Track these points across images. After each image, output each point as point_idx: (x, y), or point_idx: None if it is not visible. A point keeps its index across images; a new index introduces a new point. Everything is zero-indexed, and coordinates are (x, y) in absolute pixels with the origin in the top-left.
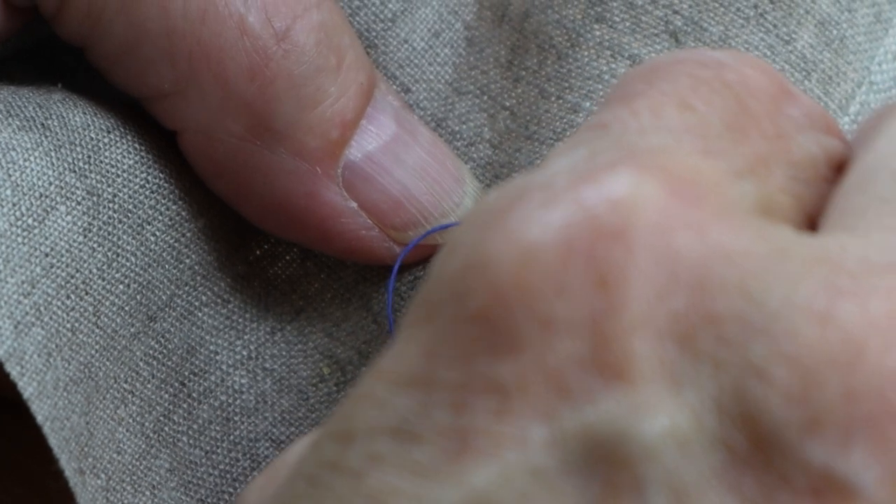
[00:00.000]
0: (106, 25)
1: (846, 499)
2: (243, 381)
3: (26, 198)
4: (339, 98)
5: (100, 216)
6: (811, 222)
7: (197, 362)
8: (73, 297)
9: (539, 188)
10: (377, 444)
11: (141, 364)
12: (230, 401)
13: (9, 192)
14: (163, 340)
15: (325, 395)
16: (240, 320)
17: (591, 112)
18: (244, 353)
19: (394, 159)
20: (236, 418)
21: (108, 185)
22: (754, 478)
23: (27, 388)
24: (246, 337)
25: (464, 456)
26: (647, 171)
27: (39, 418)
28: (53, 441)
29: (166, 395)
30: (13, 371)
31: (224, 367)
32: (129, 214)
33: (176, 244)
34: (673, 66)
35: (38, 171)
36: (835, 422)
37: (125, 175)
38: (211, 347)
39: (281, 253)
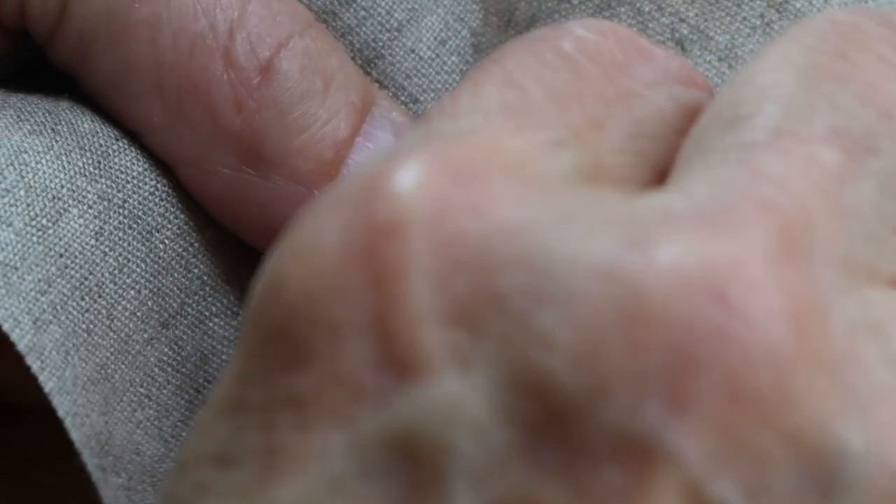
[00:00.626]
0: (96, 58)
1: (653, 458)
2: None
3: (40, 199)
4: (329, 120)
5: (111, 221)
6: (664, 177)
7: (211, 370)
8: (87, 298)
9: (332, 193)
10: (202, 473)
11: (156, 370)
12: None
13: (22, 192)
14: (176, 348)
15: None
16: None
17: None
18: None
19: None
20: None
21: (118, 191)
22: (554, 449)
23: (48, 383)
24: None
25: (272, 474)
26: (431, 160)
27: (61, 412)
28: (76, 435)
29: (182, 402)
30: (34, 365)
31: None
32: (139, 221)
33: (184, 253)
34: (514, 47)
35: (50, 174)
36: (624, 381)
37: (134, 182)
38: (223, 357)
39: None
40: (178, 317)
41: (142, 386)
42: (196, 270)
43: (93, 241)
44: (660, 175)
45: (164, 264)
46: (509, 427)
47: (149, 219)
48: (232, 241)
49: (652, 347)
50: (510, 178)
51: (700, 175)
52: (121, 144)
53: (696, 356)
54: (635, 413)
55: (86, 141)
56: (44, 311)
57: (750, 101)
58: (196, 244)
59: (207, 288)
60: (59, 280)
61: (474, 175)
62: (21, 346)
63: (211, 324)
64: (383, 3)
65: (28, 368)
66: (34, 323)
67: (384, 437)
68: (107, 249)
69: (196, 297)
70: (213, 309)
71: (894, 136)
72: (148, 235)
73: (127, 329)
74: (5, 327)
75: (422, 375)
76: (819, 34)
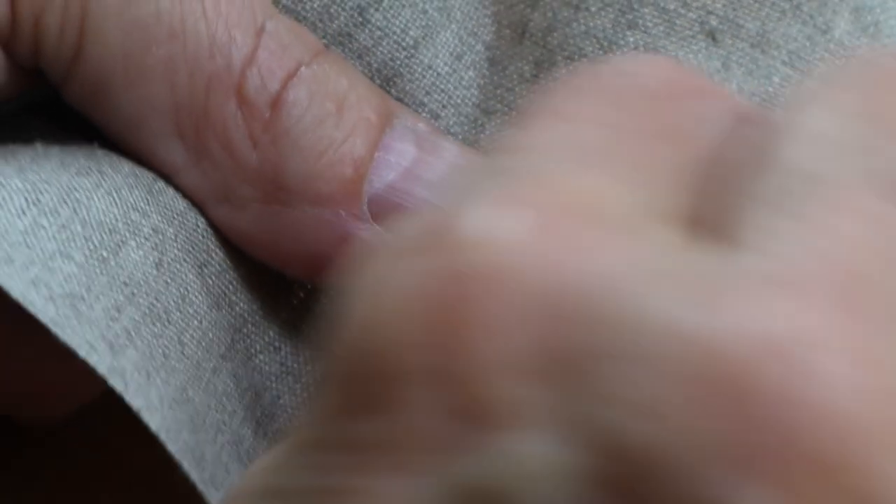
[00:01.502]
0: (113, 100)
1: None
2: None
3: (97, 232)
4: (344, 140)
5: (167, 253)
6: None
7: (264, 405)
8: (158, 324)
9: (409, 236)
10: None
11: (224, 399)
12: None
13: (79, 227)
14: (236, 380)
15: None
16: (294, 365)
17: None
18: (306, 395)
19: (417, 181)
20: None
21: (169, 225)
22: None
23: (135, 400)
24: (304, 380)
25: None
26: (507, 205)
27: (153, 427)
28: (173, 448)
29: (249, 432)
30: (118, 385)
31: (289, 410)
32: (191, 255)
33: (227, 289)
34: (566, 84)
35: (103, 209)
36: (700, 447)
37: (180, 218)
38: (274, 392)
39: (321, 291)
40: (232, 351)
41: (217, 412)
42: (237, 308)
43: (154, 272)
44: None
45: (214, 299)
46: (586, 487)
47: (198, 253)
48: (264, 277)
49: (718, 408)
50: (587, 225)
51: (755, 227)
52: (160, 185)
53: (759, 416)
54: (702, 475)
55: (130, 180)
56: (118, 335)
57: (785, 145)
58: (235, 281)
59: (249, 325)
60: (128, 307)
61: (554, 222)
62: (102, 370)
63: (257, 360)
64: (397, 23)
65: (25, 393)
66: (110, 348)
67: (452, 490)
68: (168, 280)
69: (241, 334)
70: (257, 346)
71: None
72: (200, 269)
73: (196, 357)
74: (81, 353)
75: (493, 428)
76: (851, 79)
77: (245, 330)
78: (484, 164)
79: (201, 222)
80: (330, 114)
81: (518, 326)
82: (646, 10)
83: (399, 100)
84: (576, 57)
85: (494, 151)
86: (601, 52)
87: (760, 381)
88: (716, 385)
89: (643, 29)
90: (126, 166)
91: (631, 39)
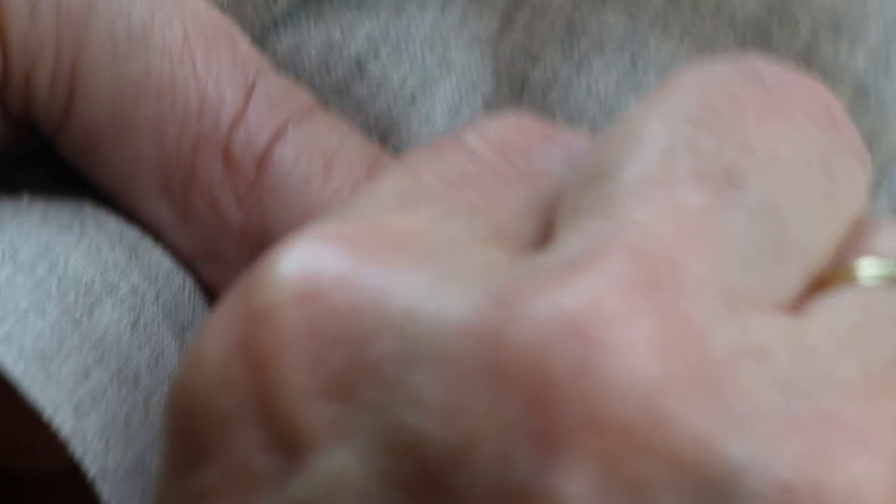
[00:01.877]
0: (102, 156)
1: None
2: None
3: (72, 291)
4: (332, 199)
5: (145, 313)
6: None
7: None
8: (125, 387)
9: (232, 290)
10: None
11: None
12: None
13: (54, 286)
14: None
15: None
16: None
17: None
18: None
19: None
20: None
21: (150, 285)
22: None
23: (91, 468)
24: None
25: None
26: (308, 243)
27: (105, 497)
28: None
29: None
30: (78, 449)
31: None
32: (171, 316)
33: None
34: (421, 147)
35: (81, 268)
36: (492, 432)
37: (164, 277)
38: None
39: None
40: None
41: None
42: None
43: (128, 333)
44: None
45: None
46: (391, 490)
47: (180, 314)
48: None
49: (515, 394)
50: (387, 250)
51: (568, 230)
52: (147, 243)
53: (556, 395)
54: (507, 462)
55: (115, 238)
56: (83, 398)
57: (611, 155)
58: None
59: None
60: (96, 369)
61: (349, 251)
62: (64, 432)
63: None
64: (396, 74)
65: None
66: (74, 410)
67: None
68: (143, 341)
69: None
70: None
71: (760, 168)
72: (181, 330)
73: (161, 421)
74: (47, 413)
75: (307, 452)
76: (676, 88)
77: None
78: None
79: (188, 282)
80: (317, 172)
81: (319, 354)
82: (651, 74)
83: (396, 151)
84: (576, 116)
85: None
86: (602, 114)
87: (554, 359)
88: (511, 371)
89: (645, 94)
90: (112, 223)
91: (633, 104)
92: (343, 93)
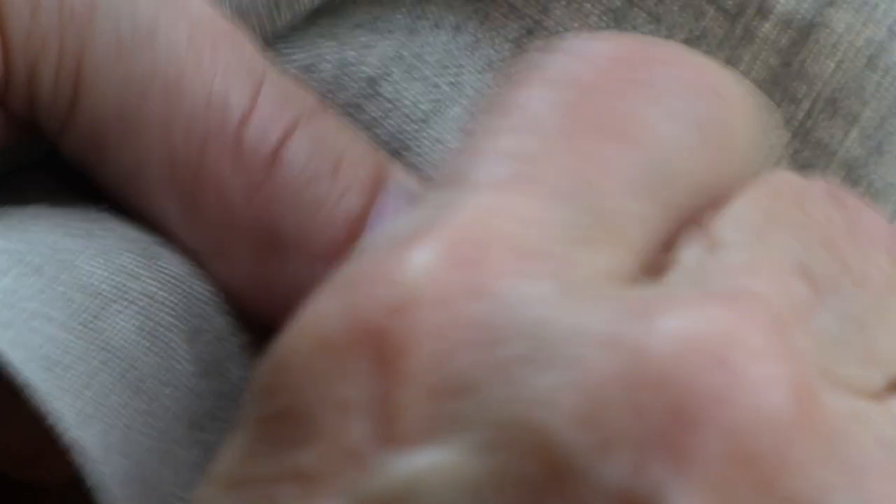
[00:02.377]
0: (108, 153)
1: None
2: None
3: (80, 295)
4: (340, 199)
5: (154, 317)
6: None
7: None
8: (127, 392)
9: (339, 275)
10: None
11: (193, 472)
12: None
13: (61, 288)
14: (210, 451)
15: None
16: None
17: None
18: None
19: None
20: None
21: (162, 290)
22: None
23: (92, 477)
24: None
25: None
26: (432, 239)
27: None
28: None
29: None
30: (79, 457)
31: None
32: (184, 321)
33: (222, 358)
34: (507, 90)
35: (88, 272)
36: (627, 439)
37: (176, 282)
38: None
39: None
40: (214, 421)
41: (174, 486)
42: (231, 376)
43: (135, 337)
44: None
45: (204, 367)
46: (509, 488)
47: (191, 320)
48: (264, 343)
49: (654, 408)
50: (510, 253)
51: (691, 283)
52: (159, 249)
53: (697, 417)
54: (638, 470)
55: (124, 244)
56: (87, 405)
57: (727, 231)
58: (234, 349)
59: (242, 393)
60: (101, 373)
61: (474, 255)
62: (66, 440)
63: None
64: (408, 95)
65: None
66: (77, 416)
67: (382, 499)
68: (150, 345)
69: (231, 403)
70: None
71: (853, 282)
72: (193, 336)
73: (163, 426)
74: (50, 420)
75: (416, 444)
76: (776, 188)
77: (235, 399)
78: (421, 199)
79: (203, 289)
80: (326, 172)
81: (445, 352)
82: None
83: (407, 172)
84: None
85: (433, 185)
86: None
87: (696, 382)
88: (650, 384)
89: None
90: (121, 228)
91: None
92: (354, 112)
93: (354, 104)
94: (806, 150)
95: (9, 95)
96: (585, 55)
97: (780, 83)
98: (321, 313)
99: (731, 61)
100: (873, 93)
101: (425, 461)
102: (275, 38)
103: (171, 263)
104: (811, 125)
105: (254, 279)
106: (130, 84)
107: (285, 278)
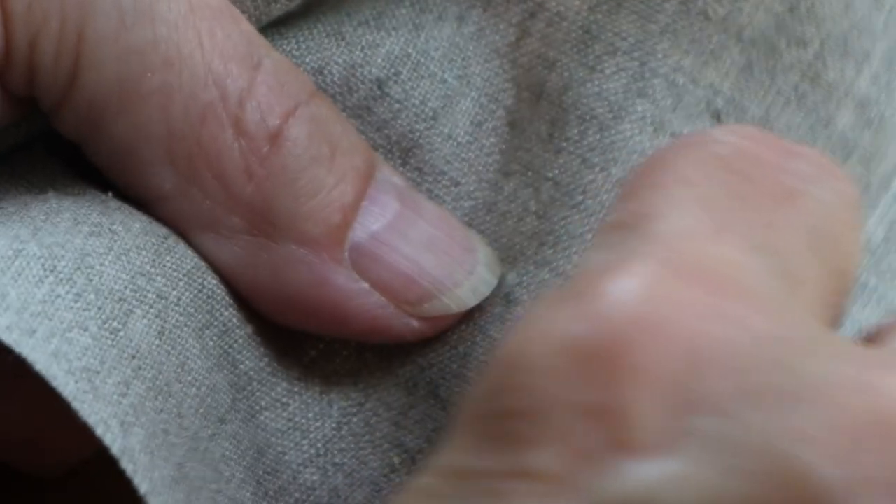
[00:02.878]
0: (107, 126)
1: None
2: (314, 477)
3: (108, 302)
4: (336, 185)
5: (169, 319)
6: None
7: (268, 462)
8: (160, 398)
9: (566, 291)
10: None
11: (221, 465)
12: (304, 497)
13: (92, 296)
14: (235, 442)
15: (398, 485)
16: (302, 420)
17: None
18: (312, 451)
19: (399, 236)
20: None
21: (173, 289)
22: None
23: (142, 485)
24: (312, 435)
25: None
26: (664, 263)
27: None
28: None
29: (248, 494)
30: (128, 467)
31: (294, 465)
32: (192, 318)
33: (230, 350)
34: (673, 150)
35: (114, 275)
36: (881, 481)
37: (185, 280)
38: (278, 448)
39: (338, 349)
40: (233, 412)
41: (213, 482)
42: (242, 367)
43: (157, 341)
44: (836, 273)
45: (215, 361)
46: None
47: (199, 316)
48: (274, 335)
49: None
50: (736, 286)
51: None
52: (169, 243)
53: None
54: None
55: (139, 240)
56: (127, 413)
57: None
58: (240, 340)
59: (255, 383)
60: (135, 382)
61: (709, 280)
62: (114, 450)
63: (262, 417)
64: (416, 94)
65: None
66: (121, 426)
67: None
68: (169, 348)
69: (245, 393)
70: (263, 403)
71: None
72: (200, 332)
73: (194, 427)
74: (98, 432)
75: (655, 454)
76: None
77: (249, 388)
78: (614, 234)
79: (208, 282)
80: (325, 156)
81: (685, 374)
82: (656, 81)
83: (418, 170)
84: (587, 117)
85: (613, 224)
86: (610, 115)
87: None
88: (869, 425)
89: (652, 100)
90: (138, 222)
91: (640, 108)
92: (363, 114)
93: (364, 106)
94: (816, 92)
95: (9, 71)
96: (741, 133)
97: (786, 28)
98: (563, 319)
99: (732, 13)
100: (882, 31)
101: (664, 471)
102: (282, 38)
103: (178, 259)
104: (821, 67)
105: (242, 256)
106: (131, 57)
107: (274, 259)
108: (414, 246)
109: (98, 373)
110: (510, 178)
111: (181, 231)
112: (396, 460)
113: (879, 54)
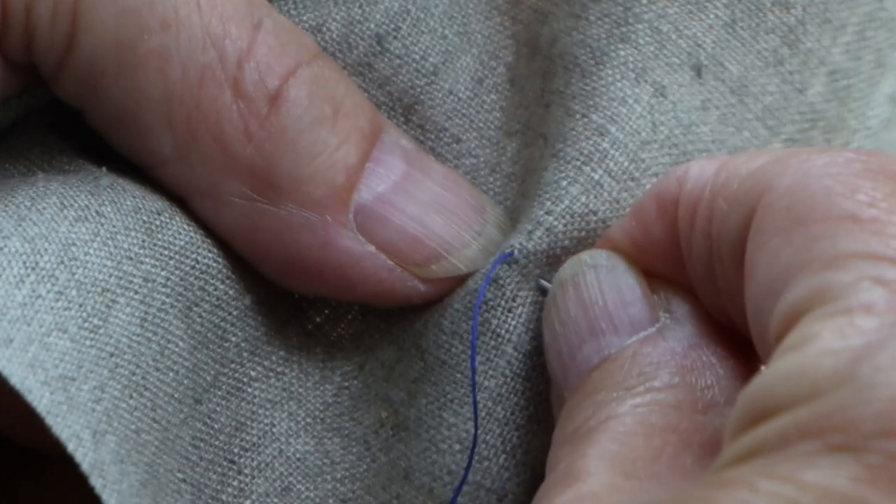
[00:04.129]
0: (105, 90)
1: None
2: (307, 447)
3: (90, 296)
4: (339, 146)
5: (154, 303)
6: None
7: (248, 437)
8: (135, 395)
9: None
10: None
11: (189, 448)
12: (290, 470)
13: (74, 292)
14: (209, 421)
15: (384, 440)
16: (300, 389)
17: (618, 138)
18: (308, 419)
19: (406, 197)
20: (298, 486)
21: (162, 269)
22: None
23: (110, 500)
24: (310, 404)
25: None
26: None
27: None
28: None
29: (214, 476)
30: (97, 483)
31: (283, 437)
32: (180, 298)
33: (222, 323)
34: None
35: (98, 264)
36: None
37: (177, 258)
38: (266, 421)
39: (343, 314)
40: (213, 389)
41: (179, 471)
42: (233, 339)
43: (139, 330)
44: None
45: (200, 338)
46: None
47: (189, 294)
48: (274, 301)
49: None
50: None
51: None
52: (163, 218)
53: None
54: None
55: (130, 219)
56: (100, 420)
57: None
58: (235, 312)
59: (245, 354)
60: (111, 383)
61: None
62: (84, 466)
63: (250, 389)
64: (417, 49)
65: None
66: (93, 437)
67: None
68: (150, 335)
69: (232, 366)
70: (253, 374)
71: None
72: (187, 311)
73: (167, 416)
74: (70, 447)
75: None
76: None
77: (238, 360)
78: None
79: (203, 256)
80: (327, 117)
81: None
82: (640, 27)
83: (420, 126)
84: (571, 66)
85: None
86: (592, 61)
87: None
88: None
89: (634, 45)
90: (129, 199)
91: (622, 53)
92: (364, 71)
93: (364, 63)
94: (794, 58)
95: (7, 36)
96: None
97: None
98: None
99: None
100: (856, 1)
101: None
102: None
103: (173, 234)
104: (801, 32)
105: (242, 219)
106: (128, 18)
107: (276, 223)
108: (421, 207)
109: (74, 379)
110: (512, 138)
111: (181, 197)
112: (384, 414)
113: (854, 23)
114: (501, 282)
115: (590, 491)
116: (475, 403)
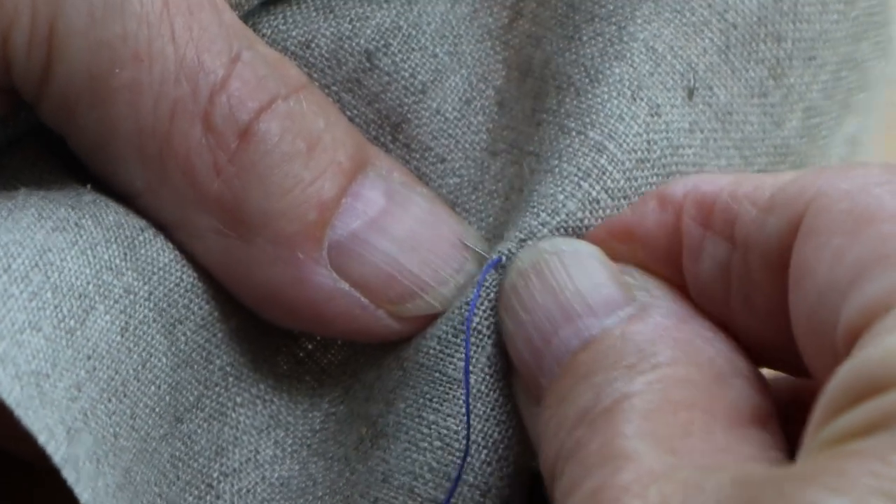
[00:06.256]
0: (80, 119)
1: None
2: (292, 472)
3: (67, 299)
4: (313, 181)
5: (136, 315)
6: None
7: (229, 462)
8: (113, 400)
9: None
10: None
11: (168, 466)
12: (272, 495)
13: (49, 294)
14: (189, 442)
15: (363, 452)
16: (289, 417)
17: (616, 155)
18: (295, 446)
19: (381, 234)
20: None
21: (144, 283)
22: None
23: (83, 494)
24: (298, 431)
25: None
26: None
27: None
28: None
29: (190, 498)
30: (70, 477)
31: (268, 464)
32: (163, 314)
33: (206, 344)
34: None
35: (75, 271)
36: None
37: (160, 273)
38: (250, 447)
39: (333, 340)
40: (194, 410)
41: (156, 485)
42: (218, 361)
43: (118, 338)
44: None
45: (184, 357)
46: None
47: (173, 311)
48: (260, 327)
49: None
50: None
51: None
52: (146, 235)
53: None
54: None
55: (111, 233)
56: (76, 419)
57: None
58: (220, 334)
59: (231, 378)
60: (88, 384)
61: None
62: (57, 460)
63: (234, 414)
64: (406, 66)
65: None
66: (67, 433)
67: None
68: (131, 345)
69: (217, 389)
70: (238, 399)
71: None
72: (171, 328)
73: (146, 427)
74: (41, 440)
75: None
76: None
77: (224, 384)
78: None
79: (188, 274)
80: (300, 152)
81: None
82: (635, 46)
83: (406, 146)
84: (564, 85)
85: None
86: (587, 79)
87: None
88: None
89: (630, 63)
90: (111, 216)
91: (617, 71)
92: (354, 87)
93: (353, 79)
94: (777, 92)
95: None
96: None
97: (767, 19)
98: None
99: None
100: (841, 40)
101: None
102: (269, 14)
103: (156, 251)
104: (787, 67)
105: (218, 255)
106: (101, 51)
107: (248, 258)
108: (396, 244)
109: (48, 376)
110: (497, 157)
111: (159, 226)
112: (364, 430)
113: (833, 64)
114: (485, 282)
115: (649, 469)
116: (468, 406)
